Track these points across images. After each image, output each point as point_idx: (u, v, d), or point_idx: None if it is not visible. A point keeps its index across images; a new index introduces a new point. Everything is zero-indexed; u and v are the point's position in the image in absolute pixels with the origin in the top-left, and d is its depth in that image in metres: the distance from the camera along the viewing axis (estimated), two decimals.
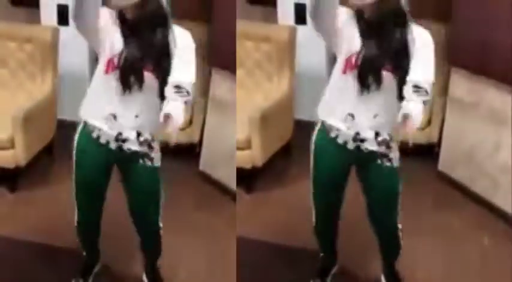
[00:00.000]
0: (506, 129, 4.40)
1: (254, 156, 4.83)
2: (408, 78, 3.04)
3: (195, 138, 5.15)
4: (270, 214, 4.63)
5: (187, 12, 5.41)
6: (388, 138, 3.23)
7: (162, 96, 3.09)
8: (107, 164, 3.33)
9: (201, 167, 5.03)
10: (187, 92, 3.09)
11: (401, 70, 3.07)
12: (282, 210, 4.68)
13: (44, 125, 5.12)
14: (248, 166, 4.84)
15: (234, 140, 4.66)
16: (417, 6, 5.37)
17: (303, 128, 5.31)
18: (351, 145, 3.23)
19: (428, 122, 5.04)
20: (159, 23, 3.13)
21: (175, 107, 3.05)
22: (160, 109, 3.05)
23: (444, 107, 4.99)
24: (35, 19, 5.70)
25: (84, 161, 3.33)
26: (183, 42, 3.18)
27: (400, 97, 3.06)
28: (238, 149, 4.74)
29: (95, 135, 3.22)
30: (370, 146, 3.22)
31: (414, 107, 3.02)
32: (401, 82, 3.06)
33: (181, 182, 4.68)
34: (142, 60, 3.10)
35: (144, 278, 3.87)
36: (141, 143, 3.24)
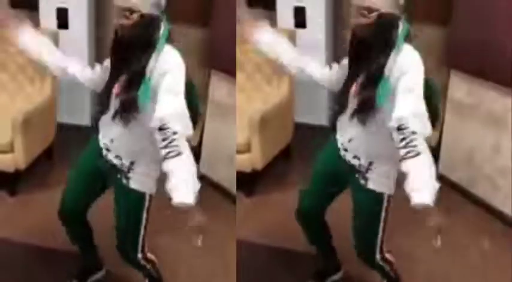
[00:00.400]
0: (506, 132, 4.41)
1: (254, 160, 4.83)
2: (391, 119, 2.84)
3: (195, 141, 5.14)
4: (270, 217, 4.63)
5: (187, 15, 5.43)
6: (365, 164, 3.13)
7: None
8: (100, 165, 3.25)
9: (201, 170, 5.03)
10: (173, 132, 2.86)
11: (368, 97, 2.94)
12: (281, 213, 4.67)
13: (44, 129, 5.12)
14: (248, 169, 4.84)
15: (233, 143, 4.66)
16: (416, 9, 5.43)
17: (303, 131, 5.34)
18: (341, 150, 3.24)
19: None
20: (141, 47, 2.98)
21: (175, 176, 2.84)
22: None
23: (443, 110, 4.99)
24: (35, 22, 5.70)
25: (86, 150, 3.33)
26: (165, 67, 2.98)
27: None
28: (238, 152, 4.75)
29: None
30: (349, 158, 3.20)
31: (411, 166, 2.77)
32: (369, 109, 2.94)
33: None
34: (113, 83, 3.05)
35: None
36: (116, 157, 3.18)
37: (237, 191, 4.71)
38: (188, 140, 2.94)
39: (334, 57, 5.89)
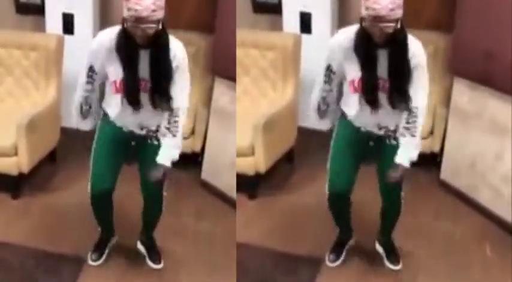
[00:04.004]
0: (508, 139, 4.40)
1: (257, 163, 4.84)
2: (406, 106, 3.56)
3: (197, 148, 5.16)
4: (273, 221, 4.64)
5: (191, 21, 5.46)
6: (392, 129, 3.68)
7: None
8: (124, 140, 3.74)
9: (203, 176, 5.04)
10: (176, 120, 3.62)
11: (399, 89, 3.53)
12: (285, 216, 4.69)
13: (48, 133, 5.14)
14: (251, 173, 4.85)
15: (234, 149, 4.68)
16: (419, 16, 5.45)
17: (306, 135, 5.35)
18: (363, 129, 3.73)
19: (431, 132, 5.04)
20: (166, 55, 3.51)
21: (165, 151, 3.62)
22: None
23: (446, 116, 4.99)
24: (40, 27, 5.73)
25: (104, 133, 3.77)
26: (179, 59, 3.56)
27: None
28: (242, 155, 4.76)
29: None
30: (375, 130, 3.72)
31: (407, 152, 3.58)
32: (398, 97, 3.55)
33: (184, 191, 4.70)
34: (140, 84, 3.56)
35: (139, 245, 4.14)
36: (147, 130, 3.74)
37: (241, 194, 4.73)
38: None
39: None
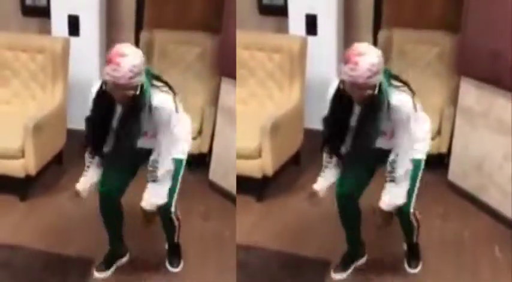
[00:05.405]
0: None
1: (265, 165, 4.84)
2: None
3: (205, 148, 5.15)
4: (280, 223, 4.63)
5: (198, 22, 5.47)
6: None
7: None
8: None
9: (211, 177, 5.03)
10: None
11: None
12: (292, 219, 4.69)
13: (54, 135, 5.14)
14: (259, 175, 4.85)
15: (241, 147, 4.70)
16: (426, 16, 5.45)
17: (313, 137, 5.34)
18: None
19: (438, 132, 5.03)
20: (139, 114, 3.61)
21: (146, 195, 3.73)
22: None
23: (454, 116, 4.98)
24: (46, 29, 5.73)
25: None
26: (162, 115, 3.63)
27: None
28: (249, 158, 4.77)
29: None
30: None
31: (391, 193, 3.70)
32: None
33: (191, 192, 4.68)
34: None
35: (166, 246, 4.13)
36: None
37: (248, 196, 4.77)
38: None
39: None
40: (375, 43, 5.55)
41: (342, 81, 3.48)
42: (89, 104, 3.66)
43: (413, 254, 4.08)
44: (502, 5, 4.42)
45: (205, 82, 5.30)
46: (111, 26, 5.80)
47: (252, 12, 6.03)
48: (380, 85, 3.44)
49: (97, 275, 3.98)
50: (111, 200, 3.87)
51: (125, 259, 4.11)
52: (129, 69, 3.38)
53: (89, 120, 3.68)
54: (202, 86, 5.32)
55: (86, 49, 5.60)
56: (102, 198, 3.85)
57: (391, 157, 3.65)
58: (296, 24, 5.80)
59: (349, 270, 4.04)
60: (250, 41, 5.38)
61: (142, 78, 3.49)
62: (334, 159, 3.81)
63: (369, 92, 3.40)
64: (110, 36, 5.77)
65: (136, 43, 5.53)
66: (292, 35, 5.74)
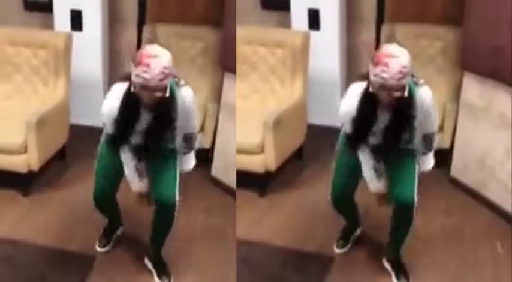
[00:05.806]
0: None
1: (267, 161, 4.84)
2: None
3: (207, 144, 5.15)
4: (283, 218, 4.64)
5: (201, 17, 5.46)
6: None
7: None
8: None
9: (213, 173, 5.04)
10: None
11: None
12: (294, 214, 4.69)
13: (57, 130, 5.14)
14: (261, 170, 4.85)
15: (241, 142, 4.71)
16: (429, 11, 5.44)
17: (315, 132, 5.34)
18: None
19: (441, 128, 5.02)
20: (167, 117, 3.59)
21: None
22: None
23: (456, 112, 4.98)
24: (49, 24, 5.73)
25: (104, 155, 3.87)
26: (188, 107, 3.63)
27: None
28: (252, 153, 4.78)
29: None
30: None
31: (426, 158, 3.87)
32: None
33: (194, 188, 4.69)
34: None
35: (147, 261, 4.06)
36: None
37: (251, 191, 4.78)
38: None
39: (347, 58, 5.89)
40: (377, 38, 5.56)
41: (369, 83, 3.40)
42: (108, 101, 3.52)
43: (400, 268, 4.00)
44: (504, 0, 4.41)
45: (209, 78, 5.29)
46: (114, 21, 5.79)
47: (254, 7, 6.02)
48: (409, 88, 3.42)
49: (100, 249, 4.20)
50: (106, 202, 4.02)
51: (119, 230, 4.33)
52: (161, 71, 3.29)
53: (117, 122, 3.53)
54: (206, 81, 5.31)
55: (88, 44, 5.60)
56: (96, 202, 3.97)
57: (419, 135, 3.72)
58: (298, 19, 5.79)
59: (349, 244, 4.25)
60: (253, 36, 5.37)
61: (171, 78, 3.42)
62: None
63: (397, 93, 3.34)
64: (113, 31, 5.78)
65: (139, 38, 5.54)
66: (294, 30, 5.73)
